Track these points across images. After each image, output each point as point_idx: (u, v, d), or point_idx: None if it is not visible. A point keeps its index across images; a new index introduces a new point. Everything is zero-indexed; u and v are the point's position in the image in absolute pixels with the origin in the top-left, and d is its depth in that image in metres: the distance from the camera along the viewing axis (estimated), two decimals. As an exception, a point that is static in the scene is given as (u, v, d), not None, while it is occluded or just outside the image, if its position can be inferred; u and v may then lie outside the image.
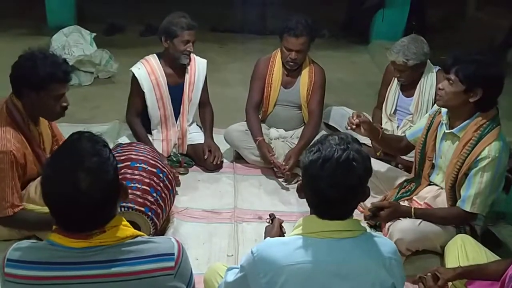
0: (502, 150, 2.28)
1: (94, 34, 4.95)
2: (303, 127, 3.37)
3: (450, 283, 2.07)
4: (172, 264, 1.37)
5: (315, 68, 3.31)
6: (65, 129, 3.12)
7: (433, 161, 2.58)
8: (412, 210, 2.45)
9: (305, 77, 3.29)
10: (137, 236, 1.39)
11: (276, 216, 2.10)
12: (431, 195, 2.56)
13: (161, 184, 2.46)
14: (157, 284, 1.35)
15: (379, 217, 2.47)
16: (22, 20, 6.00)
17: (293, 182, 3.18)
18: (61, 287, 1.31)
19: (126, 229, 1.37)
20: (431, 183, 2.62)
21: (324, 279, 1.40)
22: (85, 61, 4.51)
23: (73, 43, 4.67)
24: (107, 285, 1.32)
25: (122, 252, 1.33)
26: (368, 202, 2.71)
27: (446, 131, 2.43)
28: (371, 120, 2.86)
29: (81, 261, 1.31)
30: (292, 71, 3.29)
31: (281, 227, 2.00)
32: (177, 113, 3.30)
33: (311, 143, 1.51)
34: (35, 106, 2.29)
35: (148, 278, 1.33)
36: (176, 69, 3.23)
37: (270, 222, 2.22)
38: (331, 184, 1.41)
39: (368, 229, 2.48)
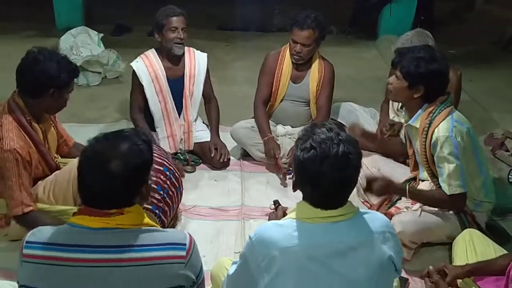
0: (451, 129, 2.29)
1: (101, 35, 4.99)
2: (310, 123, 3.36)
3: (459, 280, 2.06)
4: (183, 253, 1.42)
5: (325, 64, 3.31)
6: (74, 129, 3.17)
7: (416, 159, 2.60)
8: (407, 188, 2.45)
9: (315, 72, 3.28)
10: (152, 226, 1.45)
11: (281, 204, 2.10)
12: (425, 188, 2.55)
13: (168, 182, 2.47)
14: (168, 271, 1.39)
15: (372, 190, 2.44)
16: (30, 22, 6.05)
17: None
18: (76, 269, 1.35)
19: (143, 218, 1.44)
20: (422, 180, 2.63)
21: (322, 259, 1.43)
22: (92, 62, 4.54)
23: (81, 43, 4.71)
24: (119, 269, 1.36)
25: (137, 238, 1.39)
26: (373, 200, 2.74)
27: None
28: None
29: (97, 244, 1.36)
30: (301, 66, 3.28)
31: (285, 214, 2.00)
32: (179, 107, 3.30)
33: (300, 135, 1.52)
34: (52, 104, 2.33)
35: (159, 264, 1.38)
36: (174, 62, 3.25)
37: (274, 209, 2.22)
38: (332, 179, 1.43)
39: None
